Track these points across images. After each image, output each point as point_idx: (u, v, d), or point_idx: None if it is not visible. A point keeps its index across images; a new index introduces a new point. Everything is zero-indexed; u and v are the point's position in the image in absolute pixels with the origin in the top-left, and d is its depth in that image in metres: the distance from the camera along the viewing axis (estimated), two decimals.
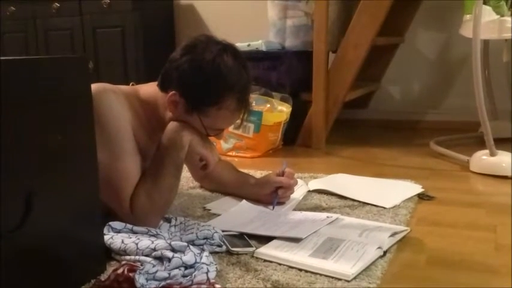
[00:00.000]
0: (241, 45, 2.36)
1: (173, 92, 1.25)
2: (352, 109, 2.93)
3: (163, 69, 1.29)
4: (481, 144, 1.93)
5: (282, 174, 1.50)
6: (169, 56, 1.29)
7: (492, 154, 1.85)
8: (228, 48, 1.28)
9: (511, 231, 1.29)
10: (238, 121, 1.35)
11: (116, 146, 1.23)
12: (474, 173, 1.88)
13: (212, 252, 1.12)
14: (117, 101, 1.26)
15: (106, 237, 1.11)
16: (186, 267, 0.99)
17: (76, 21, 3.12)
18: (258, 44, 2.49)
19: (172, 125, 1.27)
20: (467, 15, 2.05)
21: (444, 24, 2.82)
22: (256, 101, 2.23)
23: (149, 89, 1.33)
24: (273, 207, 1.45)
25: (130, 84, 1.40)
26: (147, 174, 1.26)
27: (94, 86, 1.18)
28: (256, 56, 2.41)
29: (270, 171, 1.57)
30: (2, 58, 0.86)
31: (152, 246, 1.05)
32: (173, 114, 1.28)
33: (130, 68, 3.05)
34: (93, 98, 1.05)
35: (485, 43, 2.41)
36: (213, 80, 1.24)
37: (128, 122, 1.27)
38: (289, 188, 1.50)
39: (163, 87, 1.29)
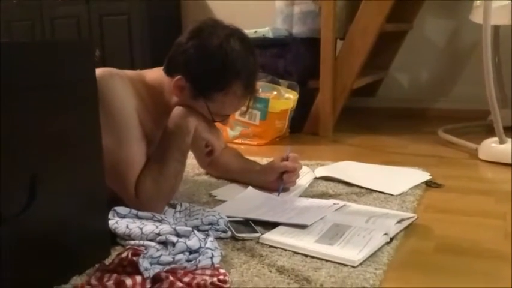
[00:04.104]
0: (247, 32, 2.30)
1: (179, 76, 1.24)
2: (360, 97, 2.90)
3: (170, 54, 1.28)
4: (489, 132, 1.91)
5: (287, 159, 1.48)
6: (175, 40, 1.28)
7: (502, 142, 1.83)
8: (235, 33, 1.26)
9: (511, 218, 1.27)
10: (244, 107, 1.34)
11: (122, 131, 1.23)
12: (483, 161, 1.86)
13: (217, 238, 1.11)
14: (122, 86, 1.25)
15: (111, 222, 1.11)
16: (191, 252, 0.98)
17: (82, 9, 3.11)
18: (265, 31, 2.47)
19: (178, 110, 1.26)
20: (478, 1, 2.02)
21: (453, 10, 2.78)
22: (263, 89, 2.22)
23: (155, 74, 1.32)
24: (279, 193, 1.44)
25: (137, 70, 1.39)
26: (153, 160, 1.25)
27: (99, 71, 1.17)
28: (263, 43, 2.38)
29: None
30: (3, 41, 0.85)
31: (157, 231, 1.05)
32: (179, 99, 1.26)
33: (136, 56, 3.04)
34: (99, 83, 1.04)
35: (496, 29, 2.38)
36: (219, 65, 1.22)
37: (133, 107, 1.25)
38: (294, 172, 1.48)
39: (170, 72, 1.27)
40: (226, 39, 1.23)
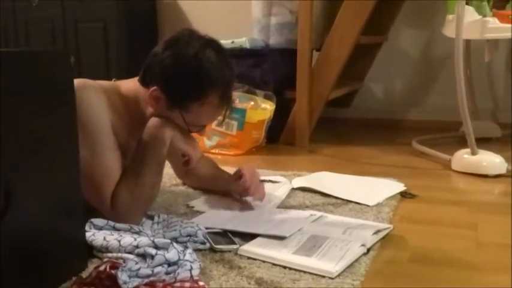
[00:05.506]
0: (225, 42, 2.33)
1: (155, 87, 1.23)
2: (335, 107, 2.94)
3: (145, 64, 1.27)
4: (462, 143, 1.95)
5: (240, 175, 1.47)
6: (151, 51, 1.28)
7: (473, 153, 1.87)
8: (211, 44, 1.26)
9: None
10: (220, 117, 1.35)
11: (96, 142, 1.21)
12: (456, 171, 1.90)
13: (196, 250, 1.11)
14: (96, 97, 1.24)
15: (88, 234, 1.09)
16: (170, 264, 0.98)
17: (57, 14, 3.07)
18: (242, 41, 2.48)
19: (153, 121, 1.26)
20: (450, 15, 2.07)
21: (427, 23, 2.84)
22: (240, 99, 2.23)
23: (130, 85, 1.31)
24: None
25: (113, 80, 1.38)
26: (129, 171, 1.24)
27: (74, 82, 1.16)
28: (240, 54, 2.39)
29: None
30: None
31: (135, 243, 1.04)
32: (154, 109, 1.26)
33: (112, 63, 3.01)
34: None
35: (467, 43, 2.44)
36: (195, 75, 1.22)
37: (107, 118, 1.24)
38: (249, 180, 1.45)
39: (145, 83, 1.27)
40: (202, 50, 1.23)
